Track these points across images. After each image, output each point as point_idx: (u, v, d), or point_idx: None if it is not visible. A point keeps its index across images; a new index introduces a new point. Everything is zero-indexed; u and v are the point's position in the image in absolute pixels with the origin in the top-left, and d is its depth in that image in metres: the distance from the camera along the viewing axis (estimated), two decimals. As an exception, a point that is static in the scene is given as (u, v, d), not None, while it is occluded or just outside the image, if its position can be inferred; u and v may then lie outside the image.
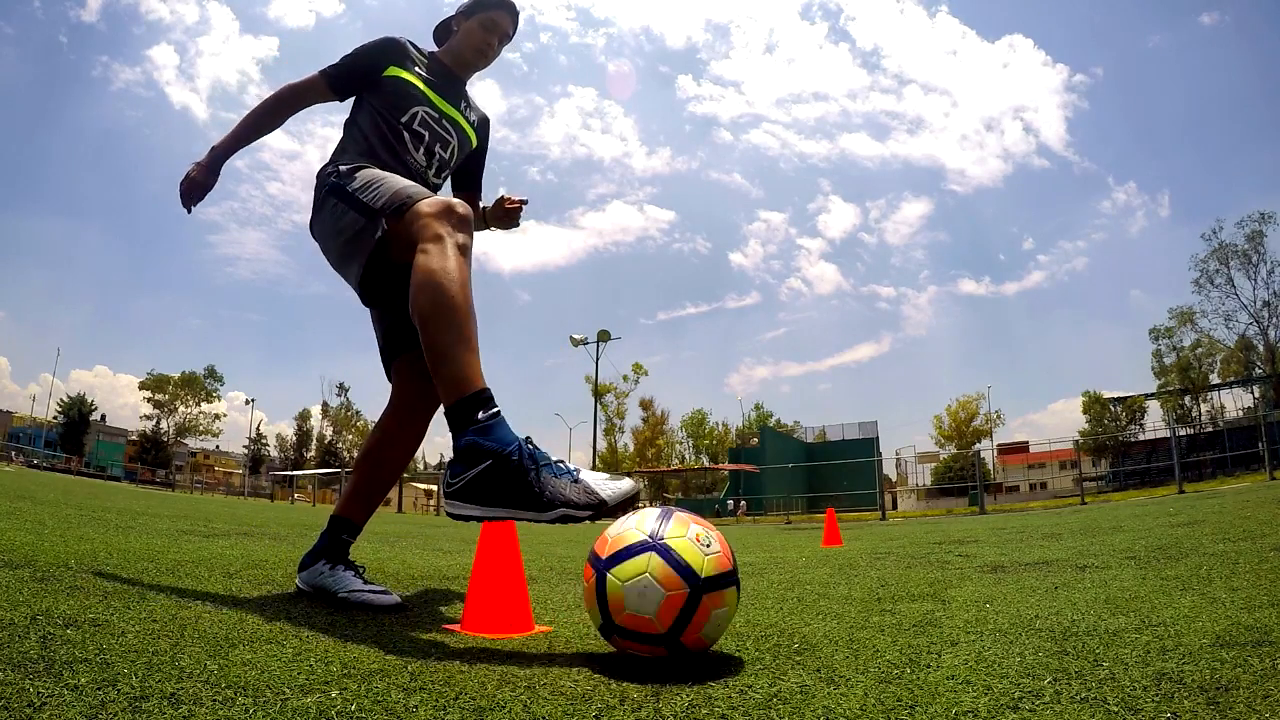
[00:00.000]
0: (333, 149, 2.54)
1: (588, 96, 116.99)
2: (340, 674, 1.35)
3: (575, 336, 36.02)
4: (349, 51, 2.52)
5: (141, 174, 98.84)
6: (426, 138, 2.54)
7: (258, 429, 73.34)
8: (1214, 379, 51.28)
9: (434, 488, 39.39)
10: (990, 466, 52.19)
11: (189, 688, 1.19)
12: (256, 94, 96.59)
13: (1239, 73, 79.86)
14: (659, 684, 1.34)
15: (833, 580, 3.10)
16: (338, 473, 37.56)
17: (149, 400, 64.92)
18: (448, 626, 1.95)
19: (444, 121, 2.59)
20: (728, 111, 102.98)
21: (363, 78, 2.51)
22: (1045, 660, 1.46)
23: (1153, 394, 54.83)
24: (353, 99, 2.56)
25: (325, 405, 74.43)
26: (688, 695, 1.28)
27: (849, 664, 1.49)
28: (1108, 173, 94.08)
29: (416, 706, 1.18)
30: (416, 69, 2.55)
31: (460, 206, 2.05)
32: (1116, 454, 51.41)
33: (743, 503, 37.74)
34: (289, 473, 55.20)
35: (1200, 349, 50.58)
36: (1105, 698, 1.20)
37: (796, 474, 35.56)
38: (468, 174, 2.84)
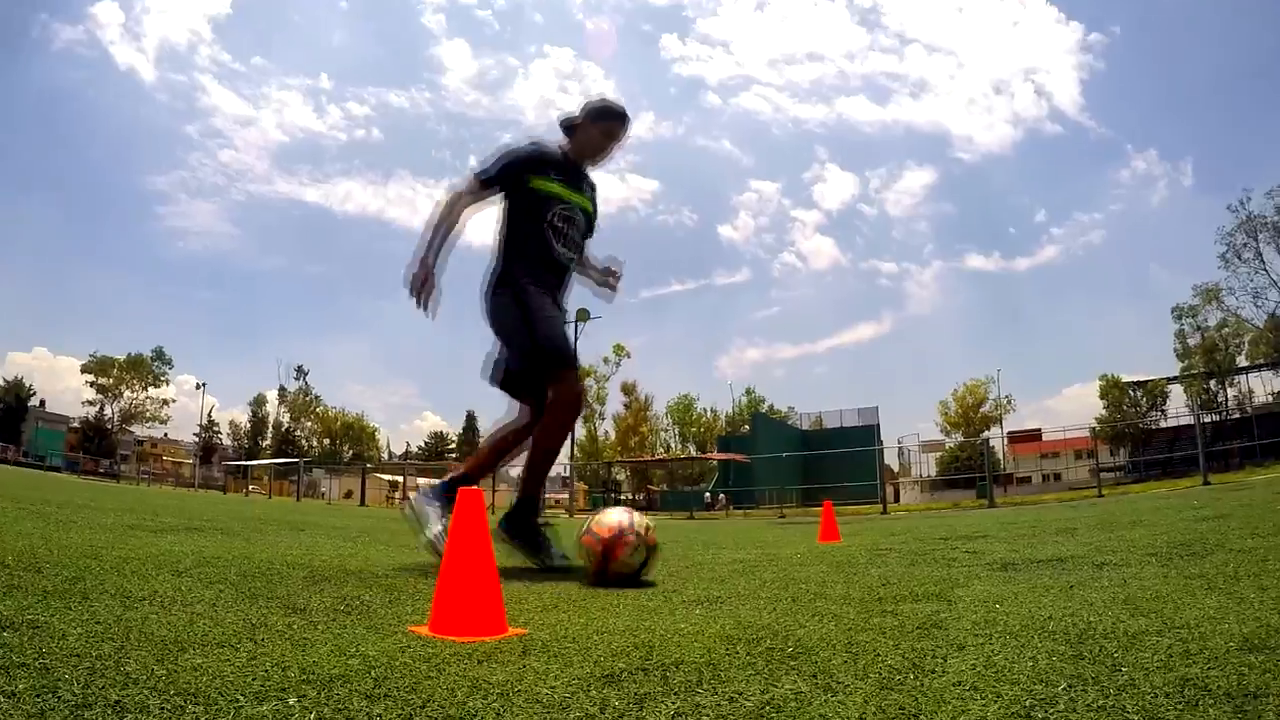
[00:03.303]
0: (496, 245, 3.84)
1: (564, 57, 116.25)
2: (298, 680, 1.35)
3: (548, 313, 35.85)
4: (499, 156, 3.73)
5: (84, 140, 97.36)
6: (565, 230, 3.79)
7: (209, 416, 73.08)
8: (1241, 361, 51.86)
9: (399, 479, 39.30)
10: (1000, 456, 52.69)
11: (135, 695, 1.18)
12: (208, 54, 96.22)
13: (1268, 31, 79.88)
14: (643, 691, 1.34)
15: (830, 579, 3.11)
16: (295, 462, 37.40)
17: (92, 385, 64.51)
18: (414, 629, 1.94)
19: (574, 209, 3.83)
20: (716, 73, 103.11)
21: (510, 183, 3.73)
22: (1060, 665, 1.47)
23: (1175, 377, 55.45)
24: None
25: (282, 390, 74.31)
26: (673, 703, 1.28)
27: (847, 669, 1.50)
28: (1126, 139, 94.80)
29: (380, 715, 1.18)
30: (551, 172, 3.75)
31: (581, 395, 3.81)
32: (1136, 442, 52.04)
33: (720, 497, 37.96)
34: (243, 463, 55.03)
35: (1227, 329, 51.08)
36: (1124, 705, 1.21)
37: (791, 464, 35.81)
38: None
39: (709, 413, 69.71)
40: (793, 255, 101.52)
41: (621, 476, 52.54)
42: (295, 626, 1.86)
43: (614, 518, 3.07)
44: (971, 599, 2.39)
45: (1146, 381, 57.48)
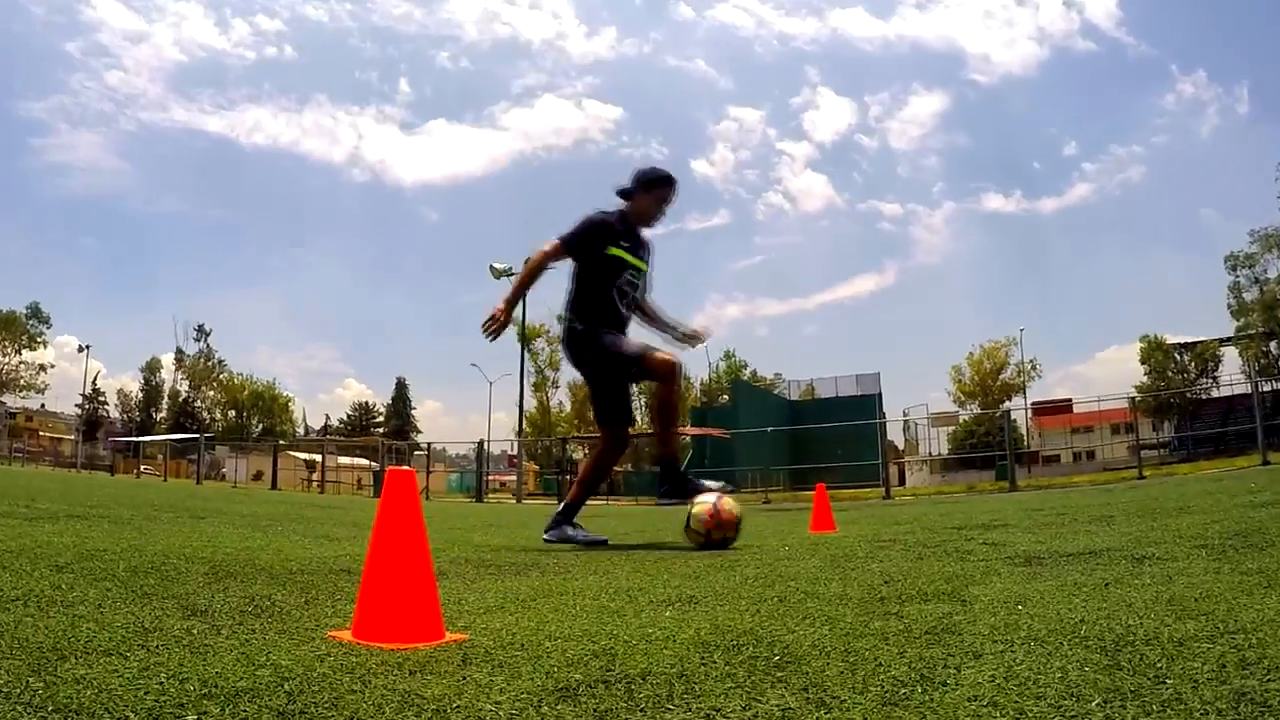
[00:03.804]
0: (568, 301, 5.33)
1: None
2: (198, 694, 1.34)
3: (497, 266, 35.68)
4: (584, 226, 5.18)
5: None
6: (629, 294, 5.32)
7: (94, 384, 72.47)
8: (1308, 318, 52.53)
9: (317, 458, 39.10)
10: (1023, 431, 53.45)
11: (6, 711, 1.18)
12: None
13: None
14: (604, 707, 1.34)
15: (823, 575, 3.14)
16: (195, 439, 37.10)
17: (-47, 348, 63.19)
18: (335, 634, 1.94)
19: (636, 274, 5.34)
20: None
21: (589, 250, 5.19)
22: (1093, 676, 1.48)
23: (1229, 338, 56.39)
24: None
25: (180, 353, 73.78)
26: (636, 724, 1.28)
27: (843, 681, 1.51)
28: (1171, 59, 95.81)
29: (294, 736, 1.18)
30: (621, 241, 5.21)
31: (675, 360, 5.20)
32: (1183, 415, 53.01)
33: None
34: (134, 439, 54.47)
35: (1291, 281, 51.74)
36: (1169, 723, 1.22)
37: (778, 440, 35.99)
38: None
39: (682, 380, 69.93)
40: (779, 195, 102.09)
41: (579, 455, 52.74)
42: (195, 631, 1.86)
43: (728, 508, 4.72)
44: (989, 599, 2.42)
45: (1195, 343, 58.40)
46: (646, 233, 5.47)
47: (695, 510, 4.67)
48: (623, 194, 5.34)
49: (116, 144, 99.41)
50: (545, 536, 5.09)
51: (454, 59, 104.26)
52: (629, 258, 5.23)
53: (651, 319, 5.66)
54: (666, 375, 5.09)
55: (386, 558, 1.95)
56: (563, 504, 5.31)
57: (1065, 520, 5.42)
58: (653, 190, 5.32)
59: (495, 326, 5.00)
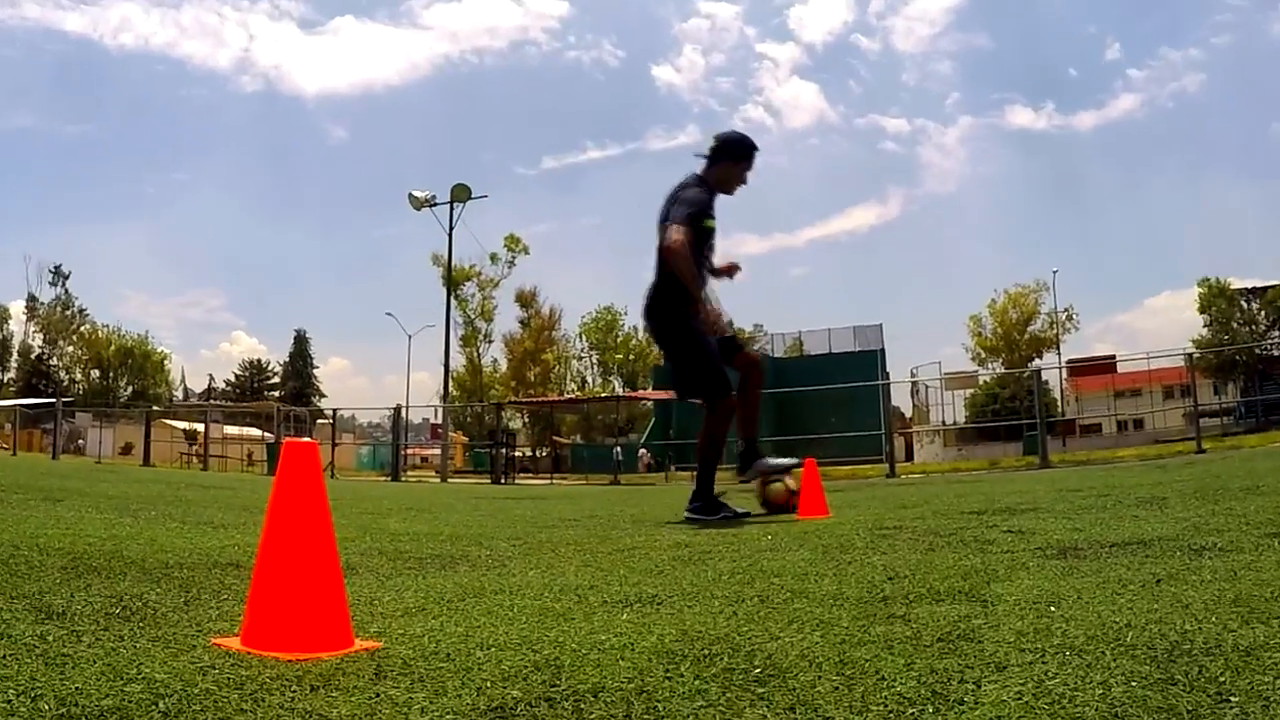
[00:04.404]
0: (659, 267, 6.44)
1: None
2: (54, 714, 1.35)
3: (417, 194, 35.58)
4: (692, 205, 6.30)
5: None
6: (710, 254, 6.63)
7: (-72, 337, 71.22)
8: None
9: (199, 427, 38.79)
10: (1057, 394, 54.01)
11: None
12: None
13: None
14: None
15: (813, 570, 3.16)
16: (50, 404, 36.72)
17: None
18: (220, 641, 1.94)
19: (715, 235, 6.60)
20: None
21: (696, 226, 6.27)
22: (1141, 693, 1.50)
23: (1308, 283, 56.98)
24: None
25: (32, 300, 72.98)
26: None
27: (838, 699, 1.52)
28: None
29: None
30: (711, 211, 6.45)
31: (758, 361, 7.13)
32: (1251, 375, 53.76)
33: (643, 453, 38.52)
34: (-26, 404, 53.73)
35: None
36: (1233, 748, 1.24)
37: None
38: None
39: (641, 334, 70.02)
40: (760, 108, 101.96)
41: (517, 424, 52.75)
42: (51, 638, 1.86)
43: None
44: (1016, 599, 2.45)
45: (1266, 289, 59.05)
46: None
47: (773, 486, 6.41)
48: (707, 159, 6.51)
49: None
50: (695, 517, 6.06)
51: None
52: (712, 223, 6.49)
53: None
54: (757, 370, 6.64)
55: (283, 549, 1.94)
56: (699, 487, 6.29)
57: (1108, 503, 5.49)
58: (740, 162, 6.52)
59: (718, 316, 6.55)
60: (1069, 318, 64.32)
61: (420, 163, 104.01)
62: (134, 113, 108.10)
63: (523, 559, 3.77)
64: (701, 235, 6.33)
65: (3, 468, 11.55)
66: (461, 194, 35.61)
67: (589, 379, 67.11)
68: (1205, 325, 58.79)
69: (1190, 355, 31.53)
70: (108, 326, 74.98)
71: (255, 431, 45.47)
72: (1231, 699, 1.44)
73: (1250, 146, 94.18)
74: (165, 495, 7.51)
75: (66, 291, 73.45)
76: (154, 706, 1.41)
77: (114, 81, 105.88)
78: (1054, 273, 66.07)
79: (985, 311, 65.47)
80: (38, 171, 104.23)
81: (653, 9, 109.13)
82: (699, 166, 6.61)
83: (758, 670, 1.72)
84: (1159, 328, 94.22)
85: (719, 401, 6.37)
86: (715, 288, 6.80)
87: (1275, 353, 56.72)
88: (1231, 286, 59.31)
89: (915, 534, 4.31)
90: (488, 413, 50.85)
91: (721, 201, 6.58)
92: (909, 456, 37.80)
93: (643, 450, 41.54)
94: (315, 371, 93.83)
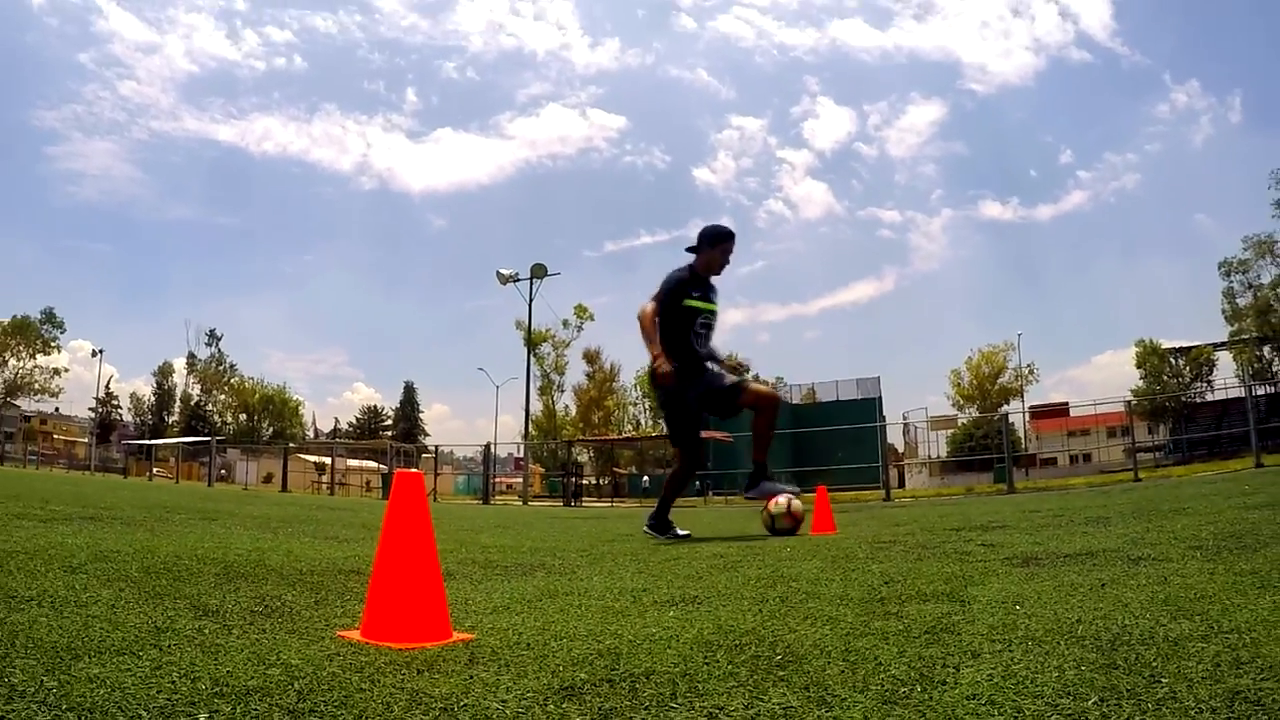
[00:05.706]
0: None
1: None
2: (210, 693, 1.34)
3: (503, 272, 35.76)
4: (667, 284, 6.18)
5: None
6: (704, 334, 6.33)
7: (107, 388, 72.60)
8: (1300, 324, 52.40)
9: (326, 460, 39.08)
10: (1021, 433, 53.28)
11: (21, 710, 1.18)
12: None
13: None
14: (608, 706, 1.35)
15: (824, 575, 3.14)
16: (206, 442, 37.08)
17: (-31, 353, 63.10)
18: (343, 634, 1.94)
19: (708, 315, 6.33)
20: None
21: (671, 304, 6.15)
22: (1090, 676, 1.49)
23: (1223, 343, 56.25)
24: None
25: (191, 357, 73.85)
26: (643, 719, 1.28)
27: (844, 680, 1.51)
28: (1164, 68, 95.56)
29: (302, 734, 1.18)
30: (693, 291, 6.21)
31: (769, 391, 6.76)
32: (1178, 418, 52.84)
33: (645, 479, 38.47)
34: (146, 442, 54.43)
35: (1283, 287, 51.64)
36: (1164, 721, 1.22)
37: (780, 443, 35.66)
38: None
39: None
40: (780, 202, 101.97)
41: (584, 458, 52.62)
42: (206, 631, 1.86)
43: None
44: (988, 599, 2.42)
45: (1190, 348, 58.26)
46: (714, 279, 6.47)
47: (773, 507, 5.98)
48: (692, 250, 6.38)
49: (129, 152, 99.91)
50: (650, 533, 6.10)
51: (460, 69, 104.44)
52: (700, 304, 6.27)
53: (710, 356, 6.57)
54: (766, 405, 6.32)
55: (395, 559, 1.95)
56: (658, 510, 6.31)
57: (1062, 522, 5.41)
58: (716, 245, 6.35)
59: (669, 369, 6.00)
60: (1031, 372, 63.69)
61: (505, 246, 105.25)
62: (274, 206, 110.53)
63: (589, 566, 3.76)
64: (684, 312, 6.22)
65: (168, 493, 11.66)
66: (539, 272, 35.70)
67: (642, 420, 66.83)
68: (1141, 378, 58.04)
69: (1129, 402, 31.09)
70: (253, 379, 75.70)
71: (372, 464, 45.59)
72: (1162, 680, 1.42)
73: (1176, 233, 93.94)
74: (299, 516, 7.54)
75: (220, 350, 74.15)
76: (290, 686, 1.42)
77: (258, 181, 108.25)
78: (1018, 335, 65.40)
79: (963, 366, 64.94)
80: (196, 253, 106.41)
81: (693, 122, 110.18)
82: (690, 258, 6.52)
83: (779, 657, 1.72)
84: (1104, 379, 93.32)
85: (687, 457, 6.45)
86: (717, 354, 6.61)
87: (1198, 400, 55.79)
88: (1162, 346, 58.59)
89: (907, 547, 4.27)
90: (560, 449, 50.84)
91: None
92: (901, 484, 37.31)
93: (648, 479, 41.23)
94: (421, 415, 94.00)
